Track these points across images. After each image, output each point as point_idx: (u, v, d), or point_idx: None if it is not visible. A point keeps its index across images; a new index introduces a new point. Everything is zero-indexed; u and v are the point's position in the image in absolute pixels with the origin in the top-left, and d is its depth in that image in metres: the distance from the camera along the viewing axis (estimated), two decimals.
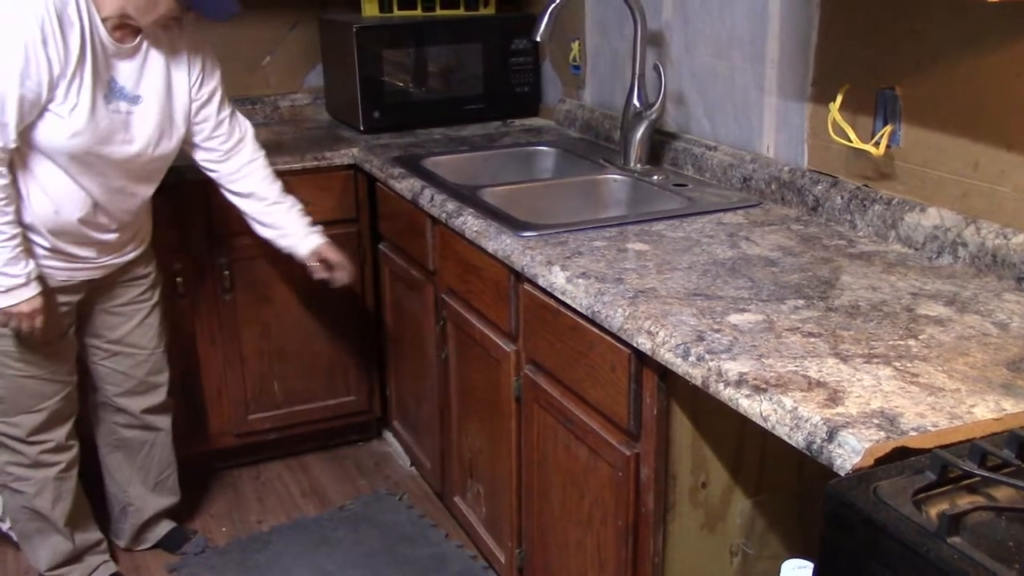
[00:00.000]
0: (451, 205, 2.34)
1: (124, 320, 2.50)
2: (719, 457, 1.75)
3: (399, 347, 2.95)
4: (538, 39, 2.48)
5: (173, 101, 2.33)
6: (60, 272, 2.28)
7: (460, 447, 2.55)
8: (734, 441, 1.75)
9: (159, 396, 2.62)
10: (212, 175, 2.52)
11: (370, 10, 3.30)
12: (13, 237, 2.11)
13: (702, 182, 2.46)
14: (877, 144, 1.98)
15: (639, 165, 2.58)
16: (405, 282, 2.77)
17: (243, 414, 3.05)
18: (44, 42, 2.03)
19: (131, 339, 2.52)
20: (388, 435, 3.27)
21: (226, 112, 2.48)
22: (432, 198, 2.42)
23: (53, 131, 2.11)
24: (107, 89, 2.18)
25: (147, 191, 2.39)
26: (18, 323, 2.19)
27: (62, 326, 2.34)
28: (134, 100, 2.24)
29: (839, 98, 2.03)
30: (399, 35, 3.19)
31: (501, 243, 2.08)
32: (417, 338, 2.73)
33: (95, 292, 2.42)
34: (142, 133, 2.26)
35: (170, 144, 2.35)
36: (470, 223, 2.21)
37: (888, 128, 1.98)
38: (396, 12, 3.30)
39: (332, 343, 3.10)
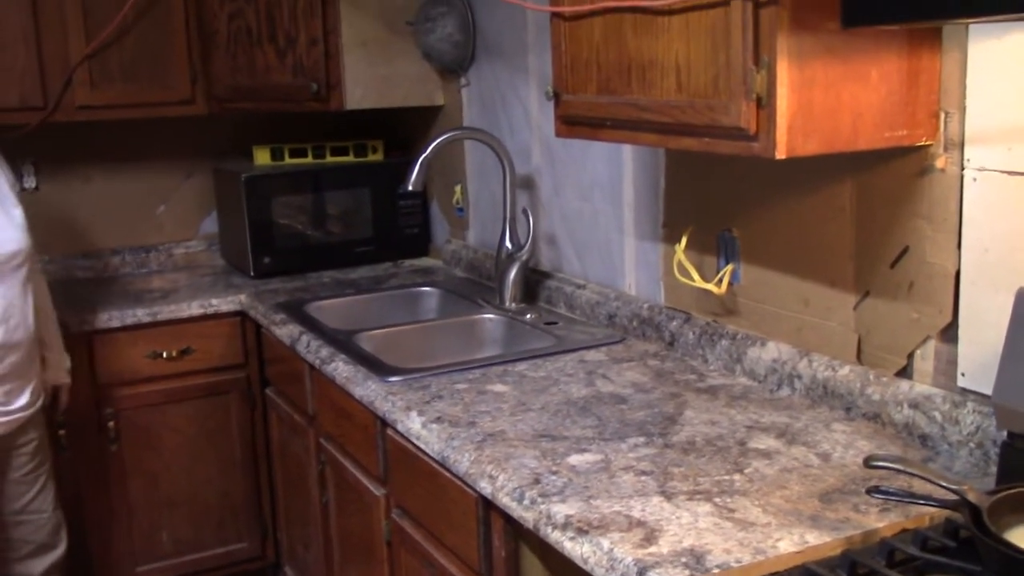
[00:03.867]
0: (325, 351, 2.38)
1: (27, 488, 2.47)
2: None
3: (288, 492, 2.94)
4: (411, 188, 2.58)
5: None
6: None
7: None
8: None
9: (59, 552, 2.58)
10: None
11: (262, 159, 3.41)
12: None
13: (572, 320, 2.55)
14: (719, 283, 2.08)
15: (514, 304, 2.67)
16: (290, 427, 2.79)
17: (131, 567, 2.99)
18: None
19: (33, 506, 2.49)
20: None
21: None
22: (308, 344, 2.47)
23: None
24: None
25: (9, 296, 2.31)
26: None
27: None
28: None
29: (684, 240, 2.15)
30: (289, 183, 3.29)
31: (367, 389, 2.12)
32: (302, 483, 2.73)
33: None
34: None
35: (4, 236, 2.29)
36: (340, 369, 2.26)
37: (730, 267, 2.10)
38: (287, 160, 3.41)
39: (223, 490, 3.08)
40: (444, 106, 3.24)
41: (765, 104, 1.48)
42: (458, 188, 3.21)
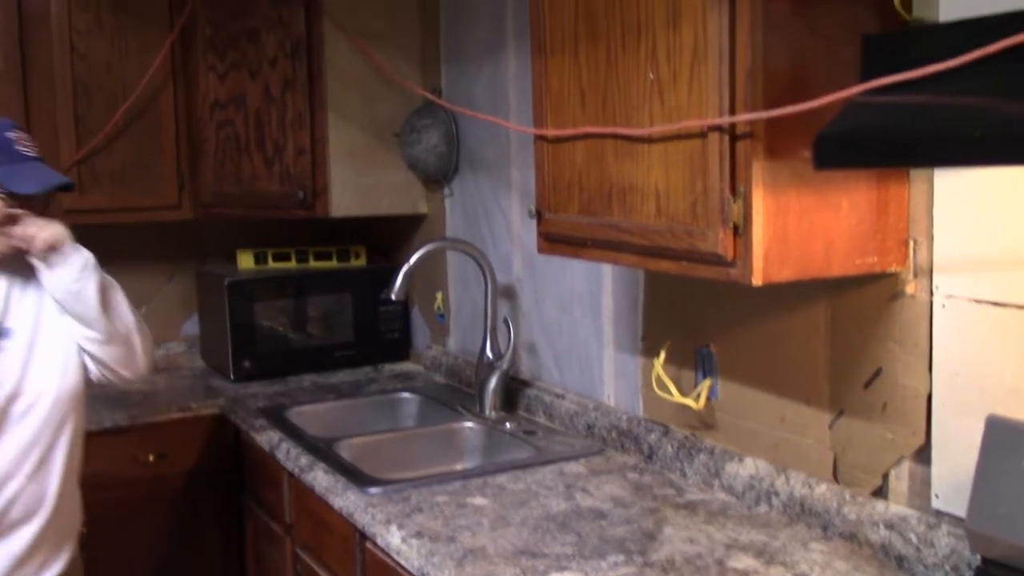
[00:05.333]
0: (304, 459, 2.38)
1: None
2: None
3: None
4: (393, 297, 2.62)
5: (51, 332, 2.04)
6: None
7: None
8: None
9: None
10: None
11: (245, 263, 3.44)
12: None
13: (552, 429, 2.56)
14: (697, 398, 2.12)
15: (494, 413, 2.69)
16: (266, 535, 2.76)
17: None
18: None
19: None
20: None
21: None
22: (288, 452, 2.47)
23: None
24: None
25: (51, 460, 2.07)
26: None
27: None
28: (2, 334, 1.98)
29: (662, 354, 2.19)
30: (271, 287, 3.32)
31: (347, 500, 2.12)
32: None
33: None
34: (9, 373, 1.97)
35: (53, 384, 2.02)
36: (320, 478, 2.26)
37: (707, 382, 2.13)
38: (271, 264, 3.45)
39: None
40: (428, 215, 3.30)
41: (742, 232, 1.54)
42: (439, 295, 3.25)
